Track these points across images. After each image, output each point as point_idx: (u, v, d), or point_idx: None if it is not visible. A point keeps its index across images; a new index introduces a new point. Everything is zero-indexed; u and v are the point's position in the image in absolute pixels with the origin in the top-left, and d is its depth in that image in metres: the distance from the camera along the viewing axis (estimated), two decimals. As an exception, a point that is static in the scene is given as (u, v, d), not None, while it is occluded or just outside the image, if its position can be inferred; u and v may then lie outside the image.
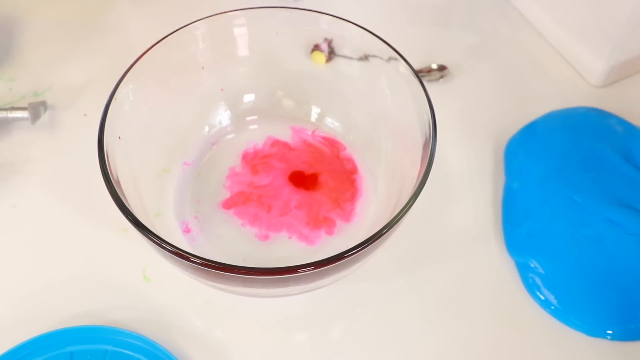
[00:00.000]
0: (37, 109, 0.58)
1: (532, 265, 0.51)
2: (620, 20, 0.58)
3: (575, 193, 0.54)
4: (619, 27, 0.59)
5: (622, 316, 0.49)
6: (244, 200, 0.53)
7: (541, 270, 0.51)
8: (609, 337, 0.49)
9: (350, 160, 0.56)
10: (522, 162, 0.57)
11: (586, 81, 0.64)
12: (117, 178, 0.45)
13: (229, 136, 0.57)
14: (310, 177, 0.55)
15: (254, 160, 0.55)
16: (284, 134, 0.57)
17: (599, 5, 0.60)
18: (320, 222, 0.52)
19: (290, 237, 0.52)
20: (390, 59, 0.51)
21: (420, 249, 0.53)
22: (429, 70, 0.62)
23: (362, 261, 0.45)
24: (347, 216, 0.53)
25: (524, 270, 0.52)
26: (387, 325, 0.50)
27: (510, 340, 0.49)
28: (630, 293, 0.50)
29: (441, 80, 0.63)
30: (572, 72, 0.64)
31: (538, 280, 0.51)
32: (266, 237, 0.52)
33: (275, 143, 0.56)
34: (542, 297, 0.50)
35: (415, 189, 0.44)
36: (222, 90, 0.56)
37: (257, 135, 0.57)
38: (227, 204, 0.53)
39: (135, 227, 0.42)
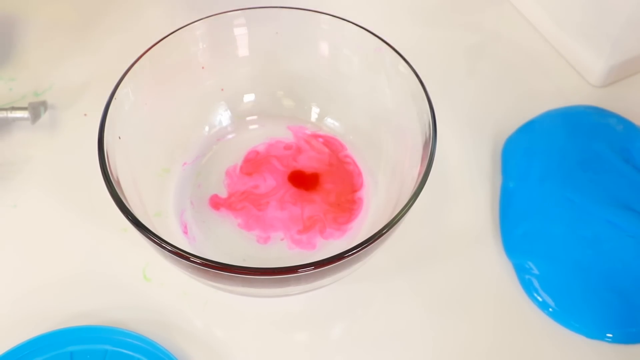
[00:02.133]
0: (37, 109, 0.58)
1: (528, 267, 0.51)
2: (620, 20, 0.58)
3: (573, 193, 0.54)
4: (618, 27, 0.58)
5: (622, 320, 0.49)
6: (237, 200, 0.53)
7: (537, 272, 0.51)
8: (608, 341, 0.49)
9: (350, 161, 0.56)
10: (519, 161, 0.56)
11: (586, 81, 0.63)
12: (117, 178, 0.45)
13: (229, 136, 0.57)
14: (310, 177, 0.55)
15: (256, 161, 0.55)
16: (284, 134, 0.57)
17: (599, 5, 0.59)
18: (313, 226, 0.52)
19: (282, 239, 0.52)
20: (390, 58, 0.51)
21: (420, 249, 0.53)
22: None
23: (362, 261, 0.45)
24: (341, 234, 0.52)
25: (520, 271, 0.51)
26: (387, 325, 0.50)
27: (509, 341, 0.49)
28: (630, 296, 0.49)
29: None
30: (571, 71, 0.64)
31: (535, 282, 0.50)
32: (266, 240, 0.52)
33: (287, 147, 0.56)
34: (540, 299, 0.50)
35: (415, 189, 0.44)
36: (222, 90, 0.56)
37: (257, 135, 0.57)
38: (216, 203, 0.53)
39: (135, 227, 0.42)
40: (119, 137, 0.47)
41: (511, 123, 0.59)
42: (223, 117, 0.57)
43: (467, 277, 0.52)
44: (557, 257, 0.51)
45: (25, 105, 0.57)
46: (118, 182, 0.45)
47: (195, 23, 0.52)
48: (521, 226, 0.53)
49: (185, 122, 0.55)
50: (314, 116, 0.58)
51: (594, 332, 0.49)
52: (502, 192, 0.55)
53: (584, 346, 0.49)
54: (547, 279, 0.50)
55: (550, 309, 0.50)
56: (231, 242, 0.52)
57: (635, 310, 0.49)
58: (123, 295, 0.50)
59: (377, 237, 0.42)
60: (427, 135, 0.47)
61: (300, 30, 0.54)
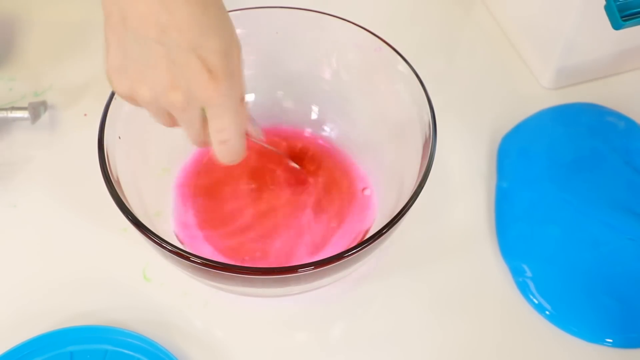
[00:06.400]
0: (37, 109, 0.58)
1: (523, 269, 0.51)
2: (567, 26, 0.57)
3: (570, 194, 0.53)
4: (565, 35, 0.58)
5: (622, 325, 0.48)
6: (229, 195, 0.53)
7: (530, 274, 0.50)
8: (608, 345, 0.48)
9: (350, 160, 0.55)
10: (514, 160, 0.56)
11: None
12: (117, 178, 0.45)
13: (229, 136, 0.57)
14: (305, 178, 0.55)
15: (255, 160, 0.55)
16: (284, 135, 0.57)
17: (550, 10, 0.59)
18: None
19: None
20: (390, 58, 0.51)
21: (420, 249, 0.53)
22: None
23: (362, 261, 0.45)
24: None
25: (516, 273, 0.51)
26: (387, 325, 0.50)
27: (507, 343, 0.49)
28: (631, 301, 0.49)
29: None
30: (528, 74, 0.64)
31: (531, 285, 0.50)
32: (267, 240, 0.52)
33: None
34: (536, 302, 0.50)
35: (415, 189, 0.44)
36: (222, 90, 0.56)
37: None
38: (184, 187, 0.53)
39: (135, 227, 0.42)
40: (119, 137, 0.47)
41: (508, 120, 0.59)
42: (223, 117, 0.57)
43: (466, 278, 0.52)
44: (552, 260, 0.51)
45: (25, 105, 0.57)
46: (118, 182, 0.45)
47: (195, 23, 0.52)
48: (515, 228, 0.52)
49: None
50: (313, 116, 0.57)
51: (593, 336, 0.48)
52: (497, 192, 0.55)
53: (583, 350, 0.49)
54: (542, 281, 0.50)
55: (547, 312, 0.49)
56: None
57: (636, 316, 0.49)
58: (123, 295, 0.50)
59: (377, 237, 0.42)
60: (427, 135, 0.47)
61: (300, 30, 0.54)
